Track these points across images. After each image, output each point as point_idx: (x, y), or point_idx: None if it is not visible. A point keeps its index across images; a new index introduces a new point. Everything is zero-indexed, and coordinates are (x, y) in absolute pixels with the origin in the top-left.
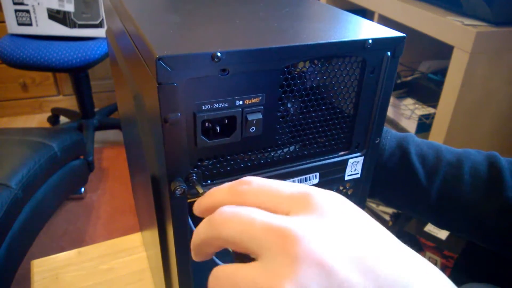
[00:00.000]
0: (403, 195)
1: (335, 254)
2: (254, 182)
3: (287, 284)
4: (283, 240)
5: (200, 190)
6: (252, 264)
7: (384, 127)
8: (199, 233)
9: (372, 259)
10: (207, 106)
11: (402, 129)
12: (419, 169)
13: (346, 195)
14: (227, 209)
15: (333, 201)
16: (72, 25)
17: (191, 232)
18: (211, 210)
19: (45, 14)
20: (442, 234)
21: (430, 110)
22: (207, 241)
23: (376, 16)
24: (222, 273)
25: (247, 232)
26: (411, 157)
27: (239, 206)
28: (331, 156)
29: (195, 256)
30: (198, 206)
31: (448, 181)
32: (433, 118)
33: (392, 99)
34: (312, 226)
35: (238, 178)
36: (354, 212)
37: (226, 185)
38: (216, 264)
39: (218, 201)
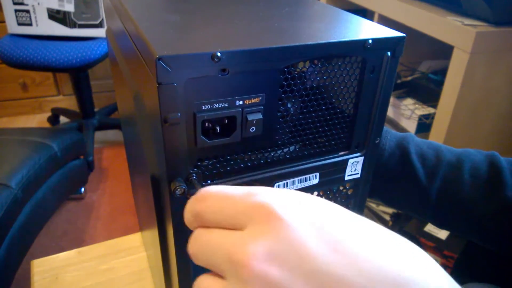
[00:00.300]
0: (403, 194)
1: (286, 271)
2: (208, 201)
3: None
4: (235, 265)
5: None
6: (221, 282)
7: (384, 127)
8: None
9: (325, 274)
10: (207, 106)
11: (402, 129)
12: (419, 169)
13: (346, 195)
14: (194, 236)
15: (287, 209)
16: (72, 25)
17: (191, 232)
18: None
19: (45, 14)
20: (442, 234)
21: (430, 110)
22: (193, 220)
23: (376, 16)
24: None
25: (211, 258)
26: (411, 156)
27: (201, 231)
28: (331, 156)
29: None
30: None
31: (448, 180)
32: (433, 118)
33: (392, 99)
34: (263, 244)
35: (238, 178)
36: (310, 210)
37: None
38: None
39: (189, 223)
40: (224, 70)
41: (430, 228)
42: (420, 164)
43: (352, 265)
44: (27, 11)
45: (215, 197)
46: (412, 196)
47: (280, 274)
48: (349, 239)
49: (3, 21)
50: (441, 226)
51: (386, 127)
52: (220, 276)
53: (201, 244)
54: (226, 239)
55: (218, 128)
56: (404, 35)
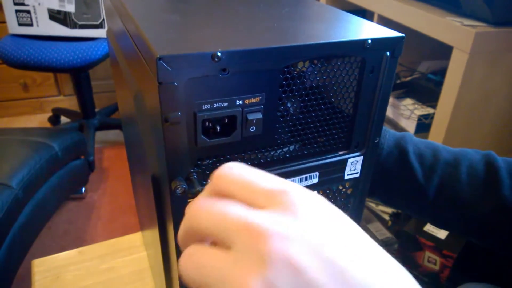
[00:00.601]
0: (401, 193)
1: (305, 254)
2: (233, 174)
3: (254, 280)
4: (254, 236)
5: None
6: (223, 252)
7: (383, 127)
8: (181, 227)
9: (342, 262)
10: (207, 106)
11: (401, 129)
12: (417, 168)
13: (345, 194)
14: (202, 202)
15: (309, 201)
16: (73, 25)
17: None
18: None
19: (46, 15)
20: (442, 233)
21: (429, 110)
22: (188, 233)
23: (375, 17)
24: (190, 257)
25: (220, 224)
26: (409, 156)
27: (215, 198)
28: (330, 156)
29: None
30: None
31: (446, 180)
32: (432, 118)
33: (391, 99)
34: (285, 224)
35: None
36: (330, 213)
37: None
38: None
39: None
40: (224, 69)
41: (429, 227)
42: (418, 163)
43: None
44: (28, 12)
45: (240, 170)
46: (409, 195)
47: None
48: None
49: (4, 22)
50: (438, 225)
51: (385, 127)
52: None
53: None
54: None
55: (218, 128)
56: (403, 35)
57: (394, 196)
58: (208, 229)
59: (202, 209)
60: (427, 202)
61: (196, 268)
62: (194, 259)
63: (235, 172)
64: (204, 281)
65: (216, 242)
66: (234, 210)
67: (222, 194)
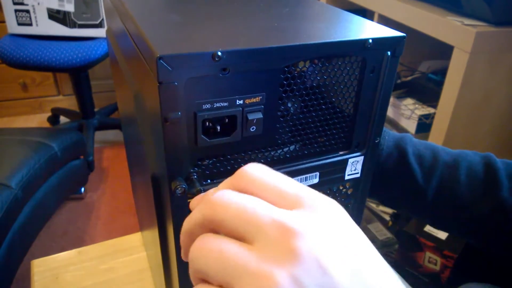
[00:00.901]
0: (400, 194)
1: (334, 258)
2: (258, 174)
3: (280, 274)
4: (283, 232)
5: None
6: (245, 245)
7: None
8: (193, 215)
9: (366, 273)
10: (208, 106)
11: (402, 129)
12: (416, 169)
13: (346, 194)
14: (228, 192)
15: (334, 210)
16: (72, 25)
17: None
18: None
19: (45, 14)
20: (442, 234)
21: (430, 110)
22: (201, 223)
23: (376, 16)
24: (209, 244)
25: (245, 217)
26: (409, 157)
27: (237, 193)
28: (331, 156)
29: (185, 246)
30: (195, 201)
31: (445, 181)
32: (433, 118)
33: (392, 99)
34: (315, 226)
35: None
36: (352, 225)
37: (230, 177)
38: None
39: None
40: (224, 69)
41: (430, 228)
42: (417, 164)
43: None
44: (27, 11)
45: (264, 172)
46: (409, 196)
47: None
48: None
49: (3, 21)
50: (437, 226)
51: (384, 128)
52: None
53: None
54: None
55: (219, 127)
56: (404, 34)
57: (393, 197)
58: (229, 221)
59: (224, 200)
60: (426, 203)
61: (214, 258)
62: (213, 249)
63: (258, 173)
64: (222, 272)
65: (234, 235)
66: (261, 205)
67: (244, 192)
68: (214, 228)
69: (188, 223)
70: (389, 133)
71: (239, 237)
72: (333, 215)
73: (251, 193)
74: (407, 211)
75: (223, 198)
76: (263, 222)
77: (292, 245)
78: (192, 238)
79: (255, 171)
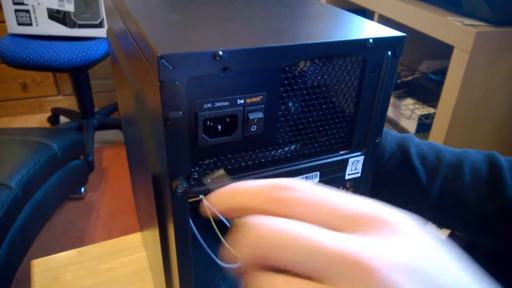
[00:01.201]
0: (404, 195)
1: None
2: (299, 189)
3: None
4: (357, 268)
5: (221, 172)
6: (316, 285)
7: (384, 128)
8: (242, 250)
9: None
10: (209, 105)
11: (402, 129)
12: (420, 170)
13: None
14: (276, 224)
15: (410, 226)
16: (72, 25)
17: (192, 232)
18: (239, 212)
19: (45, 14)
20: (442, 233)
21: (430, 110)
22: (253, 260)
23: (376, 16)
24: (271, 283)
25: (306, 252)
26: (412, 157)
27: (288, 220)
28: (331, 155)
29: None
30: (218, 200)
31: (449, 181)
32: (433, 118)
33: (392, 99)
34: (387, 250)
35: (239, 177)
36: (431, 240)
37: (259, 186)
38: (214, 262)
39: (253, 206)
40: (225, 69)
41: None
42: (421, 164)
43: None
44: (27, 11)
45: (306, 187)
46: (413, 196)
47: None
48: None
49: (3, 21)
50: (441, 225)
51: (386, 128)
52: None
53: None
54: None
55: (220, 127)
56: (405, 34)
57: (397, 197)
58: (288, 258)
59: (276, 232)
60: (430, 203)
61: None
62: None
63: (299, 192)
64: None
65: (297, 272)
66: (321, 234)
67: (289, 217)
68: (268, 265)
69: (236, 257)
70: (391, 133)
71: (304, 275)
72: (421, 243)
73: (298, 218)
74: (411, 211)
75: (268, 231)
76: (331, 258)
77: (369, 283)
78: (244, 273)
79: (293, 189)
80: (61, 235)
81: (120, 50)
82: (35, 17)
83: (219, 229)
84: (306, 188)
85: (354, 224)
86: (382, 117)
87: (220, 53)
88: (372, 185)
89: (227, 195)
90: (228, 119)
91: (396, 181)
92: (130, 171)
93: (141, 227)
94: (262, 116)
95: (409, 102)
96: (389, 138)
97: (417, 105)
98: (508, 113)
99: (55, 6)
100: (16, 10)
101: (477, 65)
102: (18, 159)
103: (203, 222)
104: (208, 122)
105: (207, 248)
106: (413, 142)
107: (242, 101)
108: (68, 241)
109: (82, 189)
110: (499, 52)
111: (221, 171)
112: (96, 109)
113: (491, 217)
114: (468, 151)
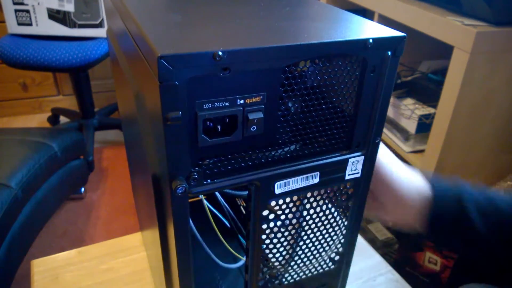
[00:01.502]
0: (460, 242)
1: None
2: None
3: None
4: None
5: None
6: None
7: (434, 174)
8: None
9: None
10: (208, 105)
11: (402, 129)
12: (479, 225)
13: (346, 194)
14: None
15: None
16: (72, 25)
17: (192, 232)
18: None
19: (45, 14)
20: None
21: (430, 110)
22: None
23: (376, 16)
24: None
25: None
26: (471, 216)
27: None
28: (331, 155)
29: None
30: None
31: (509, 232)
32: (433, 118)
33: (392, 99)
34: None
35: (239, 177)
36: None
37: None
38: (215, 262)
39: None
40: (225, 69)
41: None
42: (481, 222)
43: None
44: (27, 11)
45: None
46: (469, 243)
47: None
48: None
49: (3, 21)
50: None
51: (438, 176)
52: None
53: None
54: None
55: (219, 127)
56: (405, 34)
57: (451, 243)
58: None
59: None
60: (487, 248)
61: None
62: None
63: None
64: None
65: None
66: None
67: None
68: None
69: None
70: (442, 182)
71: None
72: None
73: None
74: (463, 253)
75: None
76: None
77: None
78: None
79: None
80: (61, 235)
81: (120, 50)
82: (35, 17)
83: (219, 229)
84: None
85: None
86: (382, 117)
87: (220, 53)
88: (428, 231)
89: None
90: (228, 119)
91: (453, 232)
92: (130, 171)
93: (141, 227)
94: (262, 116)
95: (409, 102)
96: (438, 186)
97: (417, 105)
98: (508, 113)
99: (55, 6)
100: (16, 10)
101: (477, 65)
102: (18, 159)
103: (203, 222)
104: (208, 122)
105: (207, 248)
106: (470, 197)
107: (242, 101)
108: (68, 241)
109: (82, 189)
110: (499, 52)
111: None
112: (96, 109)
113: None
114: None
